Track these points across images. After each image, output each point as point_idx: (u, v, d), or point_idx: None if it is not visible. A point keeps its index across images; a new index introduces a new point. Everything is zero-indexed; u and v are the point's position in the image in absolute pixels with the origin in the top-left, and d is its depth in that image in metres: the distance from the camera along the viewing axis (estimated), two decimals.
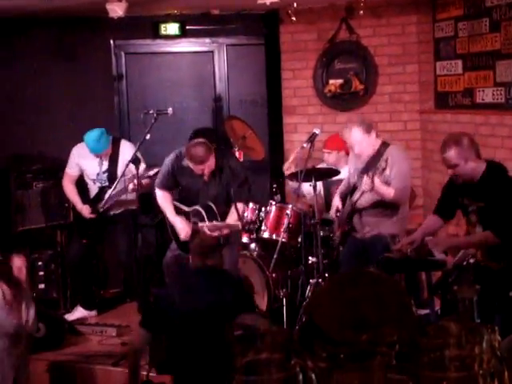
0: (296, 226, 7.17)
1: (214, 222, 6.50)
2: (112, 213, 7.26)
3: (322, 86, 8.45)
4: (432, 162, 7.90)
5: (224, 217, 6.62)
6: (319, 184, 7.41)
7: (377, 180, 6.20)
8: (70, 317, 7.39)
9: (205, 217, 6.57)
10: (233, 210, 6.53)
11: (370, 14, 8.07)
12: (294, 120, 8.58)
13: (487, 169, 5.33)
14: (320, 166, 7.76)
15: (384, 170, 6.14)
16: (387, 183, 6.32)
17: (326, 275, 6.81)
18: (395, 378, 1.37)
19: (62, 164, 7.64)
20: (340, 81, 8.35)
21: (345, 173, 7.04)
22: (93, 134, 7.16)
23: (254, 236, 7.39)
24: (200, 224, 6.54)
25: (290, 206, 7.11)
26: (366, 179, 6.21)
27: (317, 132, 6.85)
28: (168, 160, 6.73)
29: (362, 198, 6.49)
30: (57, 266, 7.76)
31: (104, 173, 7.34)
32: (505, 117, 6.64)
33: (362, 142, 6.45)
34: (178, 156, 6.67)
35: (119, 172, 7.22)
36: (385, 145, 6.51)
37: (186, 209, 6.75)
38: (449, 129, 7.39)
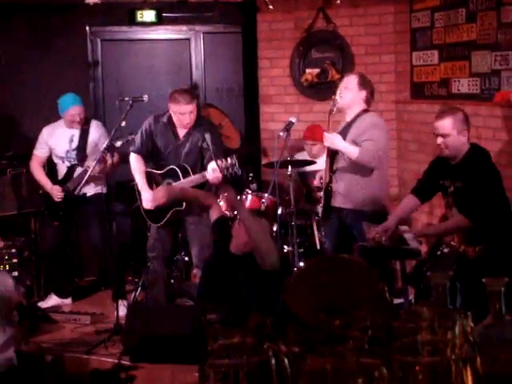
0: (272, 214, 7.17)
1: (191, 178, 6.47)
2: (82, 193, 7.15)
3: (298, 75, 8.44)
4: (407, 152, 7.93)
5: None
6: (295, 172, 7.43)
7: (338, 137, 6.08)
8: (44, 304, 7.36)
9: (180, 176, 6.54)
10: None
11: (347, 3, 8.07)
12: (271, 109, 8.57)
13: (470, 150, 5.36)
14: (298, 155, 7.77)
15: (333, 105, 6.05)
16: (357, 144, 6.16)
17: (301, 264, 6.83)
18: (368, 362, 1.37)
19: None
20: (317, 70, 8.34)
21: (322, 163, 7.01)
22: (67, 93, 7.31)
23: (230, 224, 7.38)
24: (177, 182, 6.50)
25: (266, 194, 7.11)
26: (325, 134, 6.09)
27: (293, 121, 6.83)
28: (145, 123, 6.77)
29: (340, 165, 6.32)
30: (30, 253, 7.71)
31: (73, 150, 7.30)
32: (480, 107, 6.66)
33: (349, 85, 6.31)
34: (156, 116, 6.74)
35: (88, 150, 7.24)
36: (365, 111, 6.33)
37: (160, 172, 6.70)
38: (424, 119, 7.41)
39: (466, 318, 1.45)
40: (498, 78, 6.53)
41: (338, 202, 6.36)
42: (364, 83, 6.34)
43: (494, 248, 5.20)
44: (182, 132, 6.62)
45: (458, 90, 7.13)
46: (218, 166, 6.29)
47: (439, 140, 5.38)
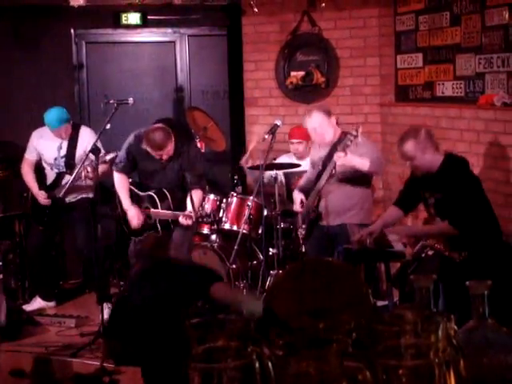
0: (257, 217, 7.18)
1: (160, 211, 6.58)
2: (68, 200, 7.17)
3: (283, 77, 8.45)
4: (392, 155, 7.94)
5: (179, 203, 6.65)
6: (280, 175, 7.44)
7: (349, 154, 6.08)
8: (29, 307, 7.33)
9: (158, 203, 6.61)
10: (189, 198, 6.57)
11: (332, 6, 8.09)
12: (256, 112, 8.58)
13: (445, 160, 5.40)
14: (284, 157, 7.78)
15: (351, 142, 6.03)
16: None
17: (287, 267, 6.83)
18: (351, 365, 1.37)
19: (21, 153, 7.56)
20: (301, 73, 8.36)
21: (307, 164, 7.03)
22: (53, 110, 7.16)
23: (215, 227, 7.39)
24: (152, 210, 6.61)
25: (251, 197, 7.11)
26: (337, 154, 6.07)
27: (278, 123, 6.85)
28: (127, 142, 6.76)
29: (328, 184, 6.40)
30: (15, 256, 7.69)
31: (62, 158, 7.27)
32: (464, 110, 6.70)
33: (323, 124, 6.40)
34: (136, 137, 6.72)
35: (77, 158, 7.17)
36: (345, 133, 6.36)
37: (140, 193, 6.77)
38: (409, 122, 7.44)
39: (449, 321, 1.45)
40: (482, 81, 6.56)
41: (325, 221, 6.50)
42: (325, 111, 6.48)
43: (479, 253, 5.23)
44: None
45: (443, 92, 7.16)
46: (193, 211, 6.46)
47: (408, 163, 5.49)
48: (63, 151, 7.27)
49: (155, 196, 6.67)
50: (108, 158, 6.66)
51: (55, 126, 7.13)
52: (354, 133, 6.05)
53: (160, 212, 6.65)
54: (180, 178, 6.71)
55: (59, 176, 7.29)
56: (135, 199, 6.81)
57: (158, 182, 6.73)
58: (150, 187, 6.79)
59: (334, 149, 6.30)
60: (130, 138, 6.74)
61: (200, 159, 6.85)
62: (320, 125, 6.42)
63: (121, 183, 6.83)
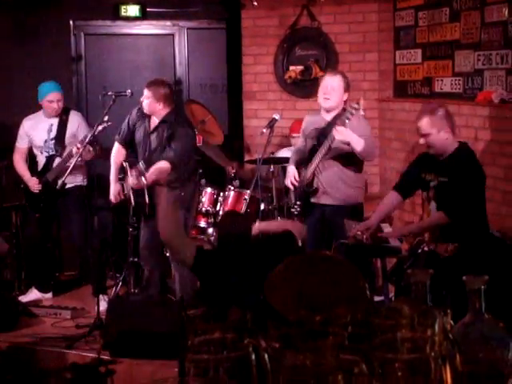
0: (254, 211, 7.17)
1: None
2: (61, 181, 7.07)
3: (282, 72, 8.44)
4: (390, 150, 7.95)
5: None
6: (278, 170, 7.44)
7: (348, 130, 6.01)
8: (24, 298, 7.33)
9: (129, 172, 6.60)
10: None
11: (332, 1, 8.08)
12: (254, 105, 8.57)
13: (460, 147, 5.39)
14: (285, 150, 7.77)
15: (352, 115, 5.95)
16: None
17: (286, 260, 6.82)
18: (348, 358, 1.38)
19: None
20: (300, 67, 8.34)
21: None
22: (48, 81, 7.39)
23: (212, 221, 7.38)
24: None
25: (248, 191, 7.11)
26: (336, 127, 5.97)
27: (276, 117, 6.84)
28: (131, 112, 6.90)
29: (324, 160, 6.30)
30: (11, 247, 7.68)
31: (52, 140, 7.29)
32: (462, 106, 6.69)
33: (339, 89, 6.30)
34: (139, 108, 6.82)
35: (67, 140, 7.24)
36: (345, 109, 6.22)
37: (129, 171, 6.72)
38: (407, 118, 7.44)
39: (445, 316, 1.45)
40: (481, 77, 6.56)
41: (318, 198, 6.38)
42: (347, 84, 6.37)
43: (467, 248, 5.24)
44: (153, 124, 6.70)
45: (441, 88, 7.16)
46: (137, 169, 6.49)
47: (421, 140, 5.42)
48: (53, 133, 7.29)
49: (142, 165, 6.62)
50: (100, 128, 6.70)
51: (50, 90, 7.26)
52: (356, 106, 5.99)
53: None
54: (162, 150, 6.67)
55: (49, 159, 7.30)
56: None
57: (143, 152, 6.72)
58: (137, 158, 6.78)
59: (333, 123, 6.21)
60: (134, 109, 6.88)
61: (187, 143, 6.78)
62: (338, 87, 6.30)
63: (115, 156, 6.93)
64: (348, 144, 6.08)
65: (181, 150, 6.66)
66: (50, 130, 7.30)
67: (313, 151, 6.39)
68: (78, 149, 6.83)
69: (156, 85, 6.71)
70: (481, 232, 5.38)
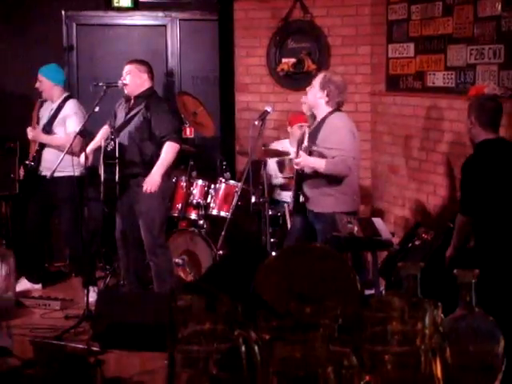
0: (245, 203, 7.17)
1: None
2: (49, 172, 6.96)
3: (274, 64, 8.43)
4: (381, 144, 7.95)
5: (130, 160, 6.60)
6: (273, 162, 7.45)
7: (303, 156, 6.00)
8: None
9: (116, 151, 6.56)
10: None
11: None
12: (246, 98, 8.56)
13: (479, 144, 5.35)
14: (284, 141, 7.76)
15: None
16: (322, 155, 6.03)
17: (274, 253, 6.83)
18: (338, 350, 1.37)
19: (8, 135, 7.53)
20: (293, 60, 8.33)
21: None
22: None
23: (203, 213, 7.38)
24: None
25: (239, 184, 7.11)
26: (294, 161, 6.04)
27: (268, 110, 6.84)
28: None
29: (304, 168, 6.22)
30: (1, 238, 7.66)
31: (46, 123, 7.31)
32: (454, 101, 6.70)
33: (313, 90, 6.29)
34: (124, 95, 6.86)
35: (55, 124, 7.28)
36: (331, 112, 6.18)
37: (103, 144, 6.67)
38: (399, 111, 7.44)
39: (436, 309, 1.45)
40: (474, 72, 6.55)
41: (304, 200, 6.34)
42: (324, 82, 6.20)
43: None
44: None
45: (433, 83, 7.15)
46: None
47: None
48: (48, 117, 7.30)
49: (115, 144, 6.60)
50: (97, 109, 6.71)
51: (39, 71, 7.35)
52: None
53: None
54: (141, 137, 6.59)
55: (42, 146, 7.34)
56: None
57: (123, 133, 6.65)
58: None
59: (315, 131, 6.19)
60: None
61: (171, 115, 6.75)
62: (311, 87, 6.33)
63: (100, 133, 6.91)
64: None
65: (174, 125, 6.71)
66: (49, 113, 7.34)
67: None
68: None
69: (136, 60, 6.84)
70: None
